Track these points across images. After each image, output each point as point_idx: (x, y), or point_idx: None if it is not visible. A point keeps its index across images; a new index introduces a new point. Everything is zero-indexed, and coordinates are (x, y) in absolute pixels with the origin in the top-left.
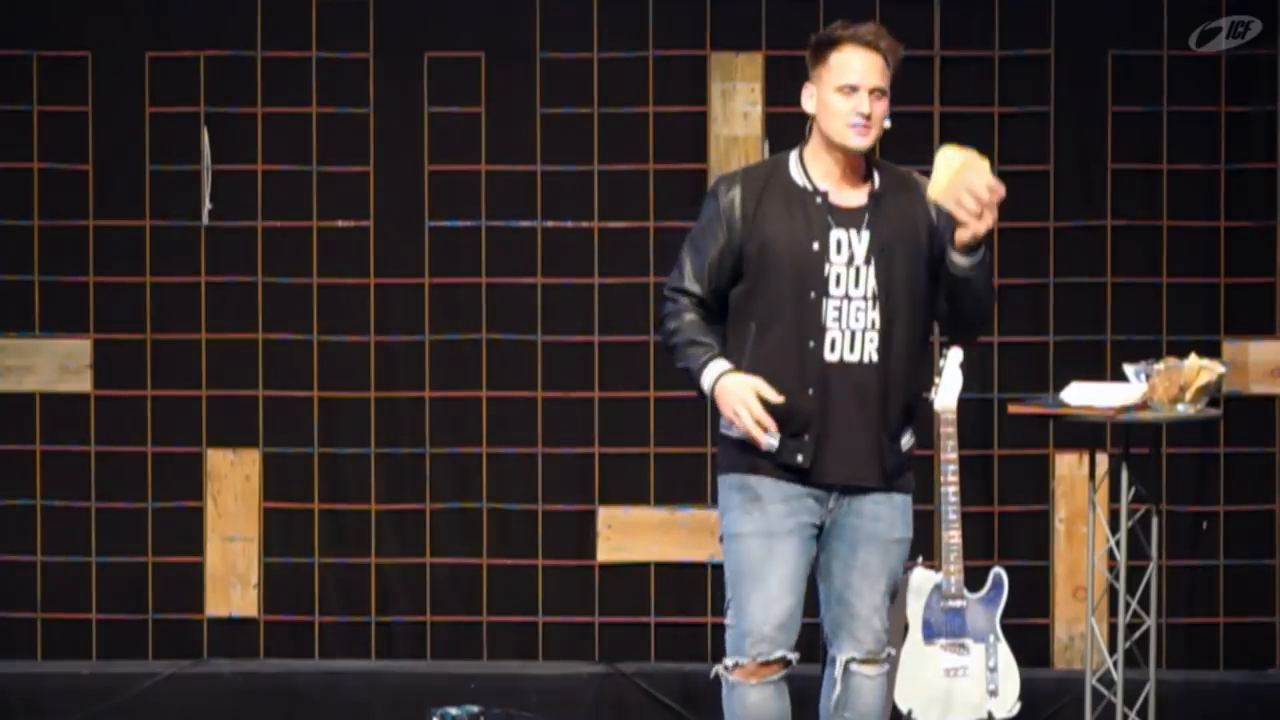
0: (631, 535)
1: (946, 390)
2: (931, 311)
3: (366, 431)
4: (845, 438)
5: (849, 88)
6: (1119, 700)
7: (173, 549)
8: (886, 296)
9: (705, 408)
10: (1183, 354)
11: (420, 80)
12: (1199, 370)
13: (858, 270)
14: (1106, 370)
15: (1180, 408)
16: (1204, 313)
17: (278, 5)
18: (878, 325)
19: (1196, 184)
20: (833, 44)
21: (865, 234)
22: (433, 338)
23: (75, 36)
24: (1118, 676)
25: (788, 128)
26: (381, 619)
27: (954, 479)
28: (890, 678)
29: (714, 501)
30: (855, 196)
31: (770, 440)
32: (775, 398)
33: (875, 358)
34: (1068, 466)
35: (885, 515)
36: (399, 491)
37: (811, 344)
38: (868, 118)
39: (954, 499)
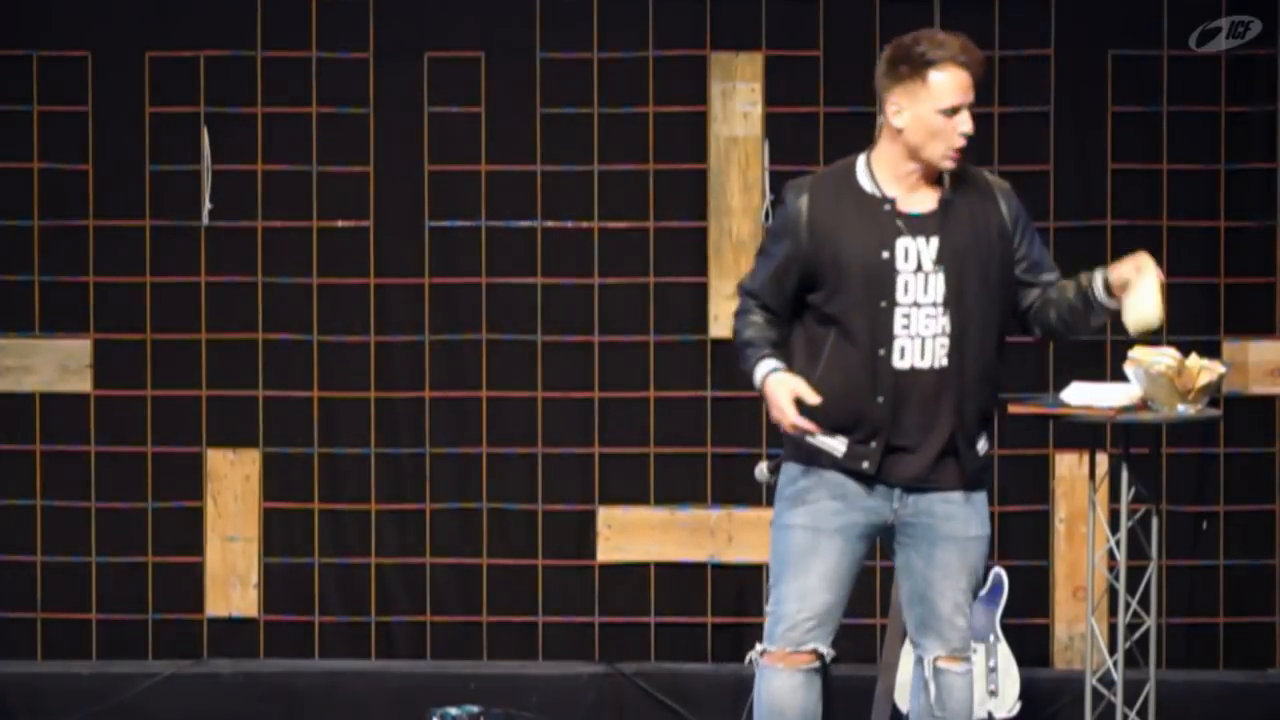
0: (631, 535)
1: None
2: (1009, 315)
3: (366, 431)
4: (915, 443)
5: (952, 109)
6: (1119, 700)
7: (173, 549)
8: (958, 302)
9: (704, 408)
10: (1183, 354)
11: (420, 80)
12: (1199, 370)
13: (927, 277)
14: (1106, 370)
15: (1180, 408)
16: (1204, 313)
17: (278, 5)
18: (949, 331)
19: (1196, 184)
20: (930, 64)
21: (934, 240)
22: (433, 338)
23: (75, 36)
24: (1118, 676)
25: (788, 128)
26: (381, 619)
27: None
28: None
29: (713, 502)
30: (925, 202)
31: (836, 444)
32: (813, 399)
33: (946, 363)
34: (1068, 466)
35: (959, 514)
36: (399, 491)
37: (881, 351)
38: (967, 137)
39: None
